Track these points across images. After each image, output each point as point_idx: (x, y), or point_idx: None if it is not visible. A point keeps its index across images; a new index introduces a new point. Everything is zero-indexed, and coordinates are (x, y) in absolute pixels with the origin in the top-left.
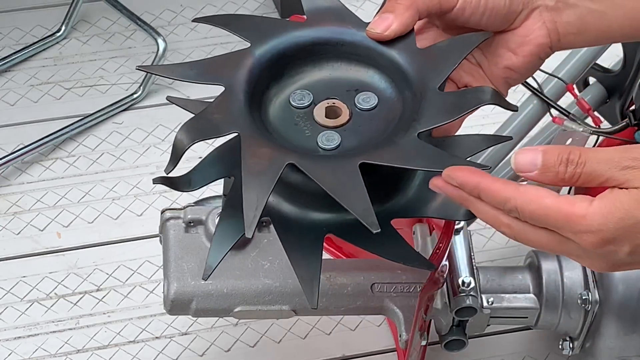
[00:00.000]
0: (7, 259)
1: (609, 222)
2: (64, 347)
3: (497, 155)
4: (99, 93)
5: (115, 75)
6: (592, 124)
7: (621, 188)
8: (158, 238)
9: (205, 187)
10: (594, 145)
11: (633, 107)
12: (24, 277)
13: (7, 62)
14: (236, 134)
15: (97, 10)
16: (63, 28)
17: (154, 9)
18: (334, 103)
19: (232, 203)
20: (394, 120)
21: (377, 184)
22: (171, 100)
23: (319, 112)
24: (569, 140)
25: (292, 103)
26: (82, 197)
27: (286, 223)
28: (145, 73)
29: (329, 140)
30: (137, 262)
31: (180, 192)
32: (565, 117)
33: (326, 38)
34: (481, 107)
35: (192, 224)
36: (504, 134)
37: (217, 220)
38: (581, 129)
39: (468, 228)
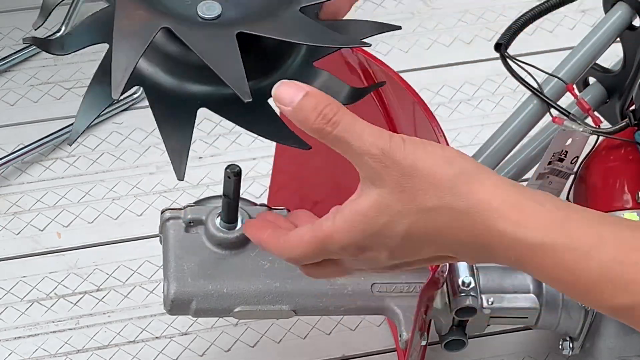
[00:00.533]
0: (7, 259)
1: (356, 236)
2: (64, 347)
3: (498, 154)
4: None
5: None
6: (592, 124)
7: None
8: (158, 238)
9: (206, 189)
10: (593, 146)
11: (633, 107)
12: (24, 277)
13: (7, 62)
14: None
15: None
16: (63, 28)
17: None
18: None
19: (105, 69)
20: None
21: (255, 59)
22: None
23: None
24: (569, 141)
25: None
26: (82, 197)
27: (160, 94)
28: None
29: (209, 9)
30: (137, 262)
31: (181, 192)
32: (565, 117)
33: None
34: (480, 107)
35: (192, 224)
36: (504, 134)
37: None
38: (581, 129)
39: None
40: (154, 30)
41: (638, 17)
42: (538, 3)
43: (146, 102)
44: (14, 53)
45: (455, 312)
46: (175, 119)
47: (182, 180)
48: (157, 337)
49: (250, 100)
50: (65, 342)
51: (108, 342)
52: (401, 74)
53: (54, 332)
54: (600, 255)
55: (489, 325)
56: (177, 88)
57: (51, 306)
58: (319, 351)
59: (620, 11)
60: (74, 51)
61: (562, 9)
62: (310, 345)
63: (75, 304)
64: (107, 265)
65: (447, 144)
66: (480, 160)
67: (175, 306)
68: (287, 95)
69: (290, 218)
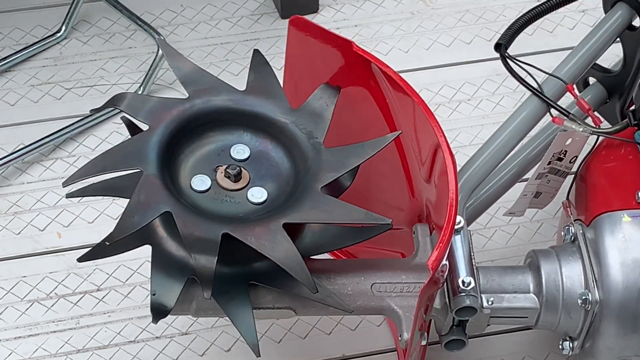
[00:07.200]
0: (7, 259)
1: None
2: (64, 347)
3: (498, 154)
4: (99, 93)
5: (115, 75)
6: (592, 124)
7: None
8: None
9: None
10: (593, 145)
11: (633, 107)
12: (24, 277)
13: (8, 62)
14: (168, 210)
15: (97, 10)
16: (63, 28)
17: (154, 9)
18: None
19: (160, 265)
20: (285, 169)
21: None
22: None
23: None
24: (569, 140)
25: (193, 187)
26: (82, 197)
27: (215, 280)
28: (146, 74)
29: (258, 195)
30: (137, 262)
31: None
32: (565, 117)
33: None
34: (480, 107)
35: None
36: (504, 134)
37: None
38: (581, 129)
39: (468, 228)
40: (218, 237)
41: (638, 17)
42: (538, 3)
43: None
44: (14, 53)
45: (455, 312)
46: (232, 299)
47: (260, 357)
48: (157, 337)
49: (318, 292)
50: (66, 342)
51: (108, 342)
52: (401, 74)
53: (54, 332)
54: None
55: (489, 325)
56: (226, 272)
57: (51, 306)
58: (319, 351)
59: (620, 11)
60: (122, 253)
61: (562, 9)
62: (310, 345)
63: (75, 304)
64: (107, 265)
65: (447, 144)
66: (480, 160)
67: (176, 306)
68: None
69: None
